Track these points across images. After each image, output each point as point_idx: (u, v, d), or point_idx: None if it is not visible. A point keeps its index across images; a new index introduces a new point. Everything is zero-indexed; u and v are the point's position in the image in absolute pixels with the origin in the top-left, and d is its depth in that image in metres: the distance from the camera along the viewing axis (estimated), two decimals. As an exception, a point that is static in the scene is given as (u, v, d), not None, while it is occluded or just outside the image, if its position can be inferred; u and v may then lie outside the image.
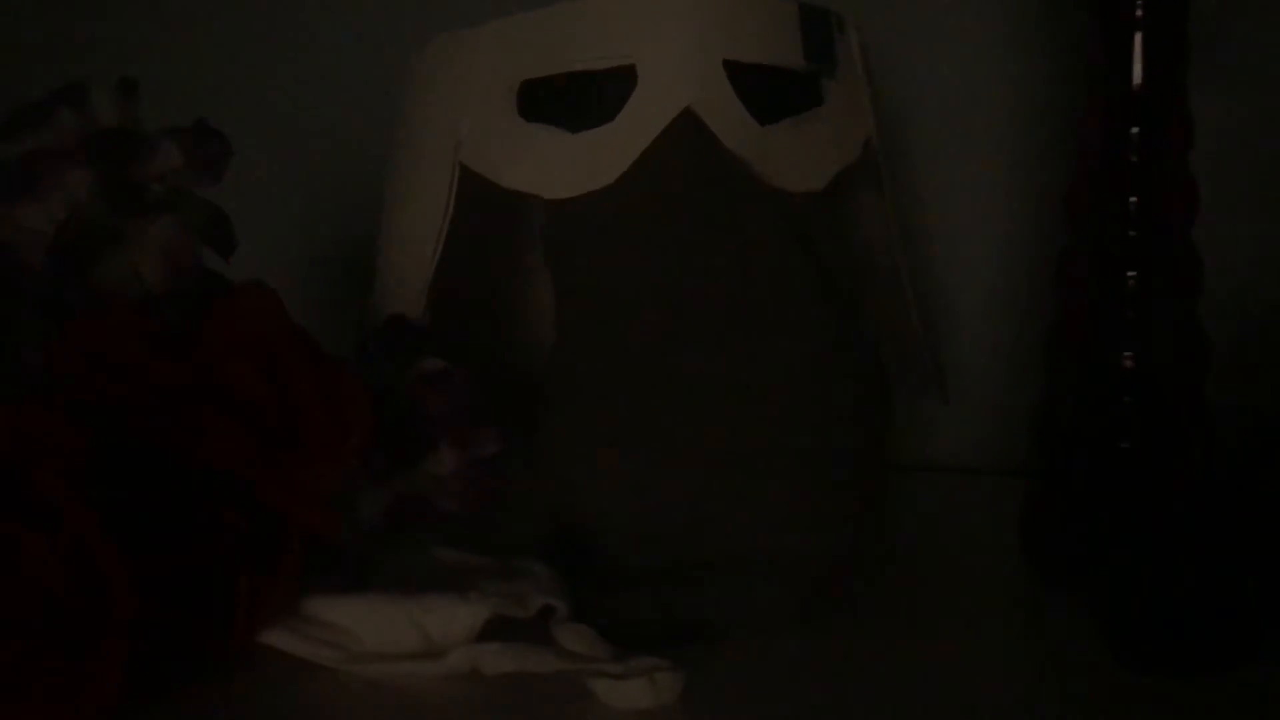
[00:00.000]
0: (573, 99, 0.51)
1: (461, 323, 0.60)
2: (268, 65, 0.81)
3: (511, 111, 0.51)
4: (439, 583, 0.45)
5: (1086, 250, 0.51)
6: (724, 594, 0.46)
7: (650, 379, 0.47)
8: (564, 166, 0.50)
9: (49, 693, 0.37)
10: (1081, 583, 0.49)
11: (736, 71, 0.50)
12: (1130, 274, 0.50)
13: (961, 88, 0.72)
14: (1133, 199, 0.50)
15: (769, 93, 0.51)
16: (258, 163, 0.75)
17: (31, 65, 0.82)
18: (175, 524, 0.41)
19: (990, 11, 0.72)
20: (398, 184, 0.56)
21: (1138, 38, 0.49)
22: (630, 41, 0.49)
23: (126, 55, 0.79)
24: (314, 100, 0.80)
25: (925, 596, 0.51)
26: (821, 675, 0.43)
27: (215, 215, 0.47)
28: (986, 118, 0.73)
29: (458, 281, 0.58)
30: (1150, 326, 0.50)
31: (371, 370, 0.48)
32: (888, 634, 0.47)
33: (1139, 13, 0.49)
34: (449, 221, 0.53)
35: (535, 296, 0.65)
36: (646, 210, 0.49)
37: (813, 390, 0.46)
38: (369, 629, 0.43)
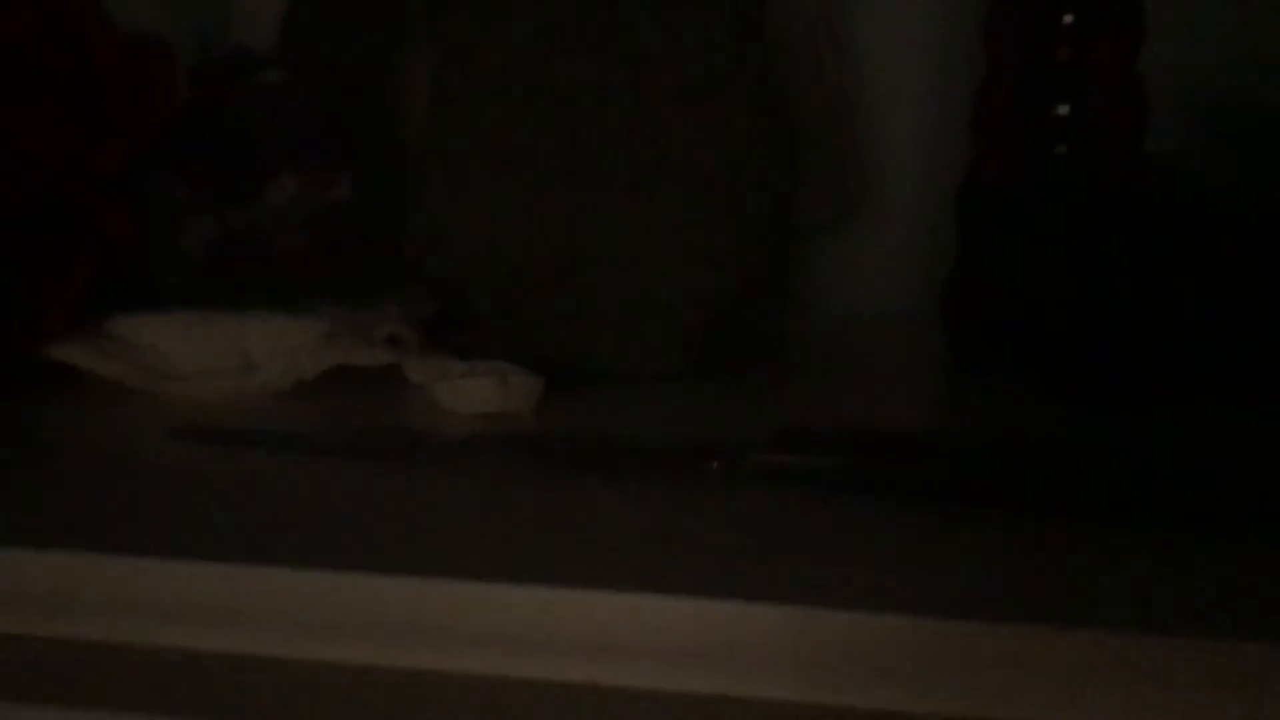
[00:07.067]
0: None
1: (332, 93, 0.53)
2: None
3: None
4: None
5: (1018, -5, 0.46)
6: (610, 334, 0.40)
7: (526, 90, 0.41)
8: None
9: None
10: (997, 354, 0.44)
11: None
12: (1066, 16, 0.45)
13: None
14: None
15: None
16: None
17: None
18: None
19: None
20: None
21: None
22: None
23: None
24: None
25: (830, 364, 0.46)
26: (697, 413, 0.38)
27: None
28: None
29: (328, 50, 0.52)
30: (1085, 73, 0.45)
31: (201, 85, 0.41)
32: (783, 388, 0.42)
33: None
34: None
35: (415, 67, 0.59)
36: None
37: (710, 108, 0.41)
38: (183, 349, 0.37)
